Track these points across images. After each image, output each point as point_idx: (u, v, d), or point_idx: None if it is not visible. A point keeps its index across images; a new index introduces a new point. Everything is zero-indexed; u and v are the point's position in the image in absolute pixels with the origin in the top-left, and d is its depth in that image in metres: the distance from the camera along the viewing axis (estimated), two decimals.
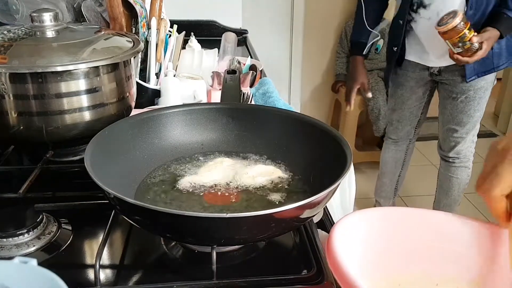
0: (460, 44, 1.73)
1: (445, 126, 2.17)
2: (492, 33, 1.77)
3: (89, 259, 0.72)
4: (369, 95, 2.19)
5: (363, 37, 2.10)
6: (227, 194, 0.76)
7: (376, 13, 2.09)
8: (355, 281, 0.50)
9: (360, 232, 0.62)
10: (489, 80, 2.00)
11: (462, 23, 1.69)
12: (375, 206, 2.47)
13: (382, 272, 0.63)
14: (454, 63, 1.91)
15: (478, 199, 2.76)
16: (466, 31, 1.71)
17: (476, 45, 1.73)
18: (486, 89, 2.02)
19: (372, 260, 0.62)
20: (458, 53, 1.76)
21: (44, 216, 0.76)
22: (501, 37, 1.79)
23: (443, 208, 2.35)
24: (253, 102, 1.25)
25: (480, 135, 3.77)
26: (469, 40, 1.72)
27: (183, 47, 1.51)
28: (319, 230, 0.77)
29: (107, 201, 0.66)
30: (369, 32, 2.09)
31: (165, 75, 1.24)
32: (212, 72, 1.32)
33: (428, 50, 1.99)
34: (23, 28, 0.90)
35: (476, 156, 3.38)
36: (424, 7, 1.89)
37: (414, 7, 1.92)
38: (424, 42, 1.98)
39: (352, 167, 1.14)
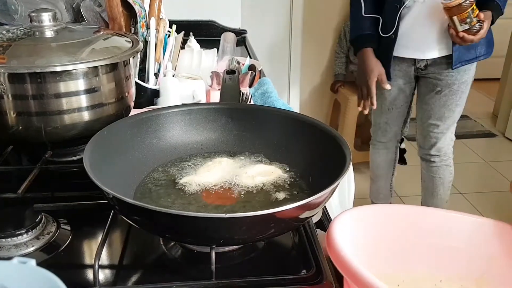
0: (468, 20, 1.71)
1: (425, 122, 2.16)
2: (489, 15, 1.78)
3: (88, 259, 0.71)
4: (388, 86, 2.01)
5: (365, 28, 2.02)
6: (226, 194, 0.76)
7: (374, 7, 2.03)
8: (360, 271, 0.50)
9: (358, 230, 0.62)
10: (471, 74, 2.02)
11: None
12: None
13: (380, 271, 0.63)
14: (442, 55, 1.92)
15: (477, 199, 2.76)
16: (474, 6, 1.70)
17: (477, 25, 1.73)
18: (467, 83, 2.04)
19: (370, 258, 0.62)
20: (464, 31, 1.74)
21: (43, 216, 0.75)
22: (492, 22, 1.81)
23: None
24: (252, 102, 1.25)
25: (478, 135, 3.80)
26: (476, 16, 1.71)
27: (182, 47, 1.51)
28: (318, 230, 0.77)
29: (106, 201, 0.66)
30: (369, 21, 2.00)
31: (164, 75, 1.24)
32: (211, 72, 1.32)
33: (420, 40, 1.96)
34: (22, 28, 0.90)
35: (474, 156, 3.39)
36: None
37: None
38: (416, 30, 1.94)
39: (351, 167, 1.14)
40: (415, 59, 2.01)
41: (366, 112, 2.09)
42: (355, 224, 0.61)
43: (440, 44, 1.91)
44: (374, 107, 2.05)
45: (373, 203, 2.59)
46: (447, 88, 2.02)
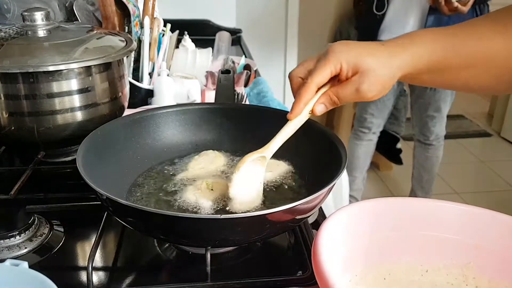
0: None
1: (423, 114, 2.33)
2: None
3: (82, 261, 0.71)
4: None
5: None
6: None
7: None
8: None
9: (347, 228, 0.61)
10: None
11: None
12: (350, 202, 2.47)
13: (369, 265, 0.62)
14: None
15: (472, 198, 2.77)
16: None
17: None
18: None
19: (358, 253, 0.62)
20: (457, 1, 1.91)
21: (36, 218, 0.75)
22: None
23: (425, 183, 2.54)
24: (247, 102, 1.25)
25: (474, 135, 3.81)
26: None
27: (177, 46, 1.50)
28: (314, 230, 0.76)
29: (100, 202, 0.65)
30: None
31: (159, 75, 1.23)
32: (206, 71, 1.32)
33: (409, 26, 2.08)
34: (14, 28, 0.89)
35: (470, 155, 3.40)
36: None
37: None
38: (406, 15, 2.07)
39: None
40: None
41: None
42: (342, 226, 0.61)
43: None
44: None
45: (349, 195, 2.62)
46: None
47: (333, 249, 0.56)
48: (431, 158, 2.45)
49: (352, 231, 0.62)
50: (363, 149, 2.48)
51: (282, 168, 0.81)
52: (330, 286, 0.49)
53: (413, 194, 2.60)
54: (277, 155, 0.85)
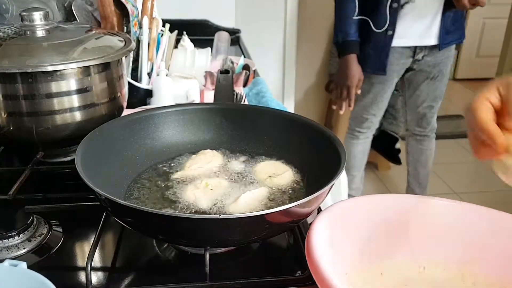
0: None
1: (419, 106, 2.37)
2: None
3: (80, 262, 0.71)
4: (358, 92, 2.24)
5: (352, 33, 2.14)
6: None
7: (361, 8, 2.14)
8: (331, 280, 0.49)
9: (339, 226, 0.62)
10: (452, 58, 2.30)
11: None
12: None
13: (364, 261, 0.62)
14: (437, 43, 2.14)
15: (471, 198, 2.78)
16: None
17: None
18: (450, 65, 2.32)
19: (353, 249, 0.62)
20: None
21: (35, 218, 0.75)
22: None
23: (422, 178, 2.57)
24: (246, 102, 1.25)
25: None
26: None
27: (176, 47, 1.50)
28: None
29: (98, 203, 0.65)
30: (355, 25, 2.13)
31: (157, 75, 1.23)
32: (205, 71, 1.32)
33: (419, 31, 2.11)
34: (13, 28, 0.89)
35: (468, 155, 3.40)
36: None
37: None
38: (415, 23, 2.09)
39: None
40: (414, 52, 2.17)
41: (342, 112, 2.28)
42: (335, 222, 0.61)
43: (435, 32, 2.12)
44: (351, 108, 2.25)
45: (348, 194, 2.63)
46: (439, 73, 2.26)
47: (326, 245, 0.56)
48: (426, 151, 2.49)
49: (345, 229, 0.62)
50: (360, 148, 2.49)
51: (280, 168, 0.81)
52: (328, 281, 0.49)
53: (410, 191, 2.61)
54: (275, 156, 0.85)
